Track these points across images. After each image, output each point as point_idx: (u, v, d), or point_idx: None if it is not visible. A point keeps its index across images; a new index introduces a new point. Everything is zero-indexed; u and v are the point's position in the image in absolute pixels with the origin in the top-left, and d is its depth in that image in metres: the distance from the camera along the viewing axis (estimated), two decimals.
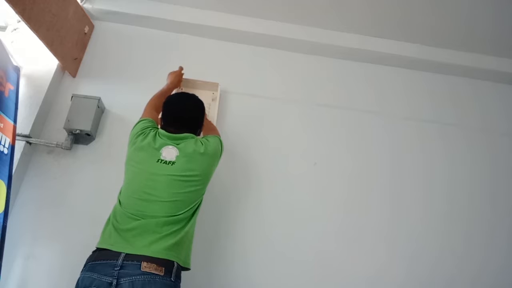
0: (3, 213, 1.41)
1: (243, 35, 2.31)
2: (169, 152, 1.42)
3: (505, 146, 2.31)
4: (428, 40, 2.39)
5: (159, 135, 1.48)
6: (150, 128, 1.52)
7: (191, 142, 1.47)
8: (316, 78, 2.34)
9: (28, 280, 1.68)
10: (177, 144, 1.45)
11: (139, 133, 1.51)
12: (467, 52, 2.43)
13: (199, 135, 1.61)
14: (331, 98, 2.29)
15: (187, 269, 1.40)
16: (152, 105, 1.70)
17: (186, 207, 1.38)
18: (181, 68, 1.98)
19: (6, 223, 1.43)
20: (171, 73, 1.95)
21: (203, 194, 1.49)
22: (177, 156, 1.41)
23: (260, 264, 1.83)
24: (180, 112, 1.55)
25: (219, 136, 1.65)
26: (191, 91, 2.02)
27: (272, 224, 1.91)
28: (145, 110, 1.68)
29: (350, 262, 1.90)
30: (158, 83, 1.99)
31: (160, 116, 1.61)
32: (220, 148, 1.58)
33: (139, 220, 1.32)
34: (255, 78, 2.27)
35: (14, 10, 1.56)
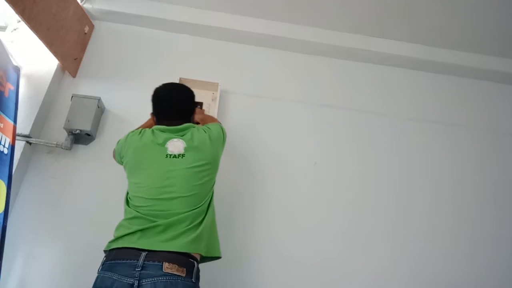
0: (3, 213, 1.41)
1: (243, 35, 2.31)
2: (175, 145, 1.39)
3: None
4: (432, 41, 2.38)
5: (158, 131, 1.45)
6: (139, 131, 1.49)
7: (194, 132, 1.45)
8: (317, 78, 2.34)
9: (28, 280, 1.68)
10: (181, 136, 1.42)
11: (132, 135, 1.48)
12: (473, 53, 2.43)
13: (193, 121, 1.58)
14: (332, 98, 2.29)
15: (216, 257, 1.40)
16: None
17: (202, 199, 1.37)
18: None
19: (6, 223, 1.42)
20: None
21: (213, 185, 1.47)
22: (184, 148, 1.39)
23: (261, 264, 1.83)
24: (171, 101, 1.52)
25: (220, 123, 1.64)
26: None
27: (272, 224, 1.91)
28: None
29: (353, 263, 1.90)
30: (157, 83, 1.98)
31: (151, 112, 1.57)
32: (222, 132, 1.56)
33: (162, 219, 1.29)
34: (255, 78, 2.27)
35: (14, 10, 1.56)
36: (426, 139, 2.26)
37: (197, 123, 1.80)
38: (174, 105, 1.52)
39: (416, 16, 2.22)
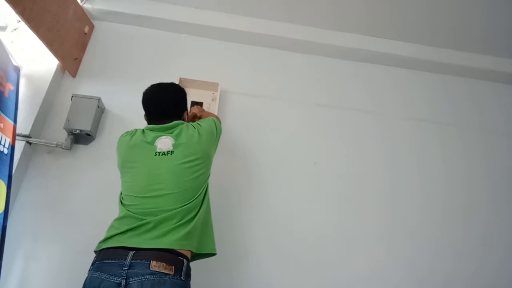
0: (3, 213, 1.41)
1: (243, 35, 2.32)
2: (164, 143, 1.39)
3: (502, 146, 2.31)
4: (425, 40, 2.39)
5: (148, 130, 1.46)
6: (131, 131, 1.51)
7: (183, 128, 1.45)
8: (316, 78, 2.34)
9: (28, 280, 1.68)
10: (170, 133, 1.43)
11: (125, 135, 1.51)
12: (463, 52, 2.43)
13: (184, 120, 1.58)
14: (331, 98, 2.29)
15: (211, 254, 1.39)
16: None
17: (194, 194, 1.36)
18: None
19: (6, 223, 1.42)
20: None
21: (208, 178, 1.47)
22: (173, 145, 1.39)
23: (259, 263, 1.83)
24: (157, 101, 1.52)
25: (216, 118, 1.63)
26: (191, 91, 2.02)
27: (271, 223, 1.91)
28: None
29: (353, 263, 1.90)
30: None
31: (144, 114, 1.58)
32: (215, 126, 1.55)
33: (151, 217, 1.28)
34: (255, 78, 2.27)
35: (14, 10, 1.56)
36: (418, 138, 2.27)
37: (196, 116, 1.79)
38: (161, 104, 1.52)
39: (408, 15, 2.22)
